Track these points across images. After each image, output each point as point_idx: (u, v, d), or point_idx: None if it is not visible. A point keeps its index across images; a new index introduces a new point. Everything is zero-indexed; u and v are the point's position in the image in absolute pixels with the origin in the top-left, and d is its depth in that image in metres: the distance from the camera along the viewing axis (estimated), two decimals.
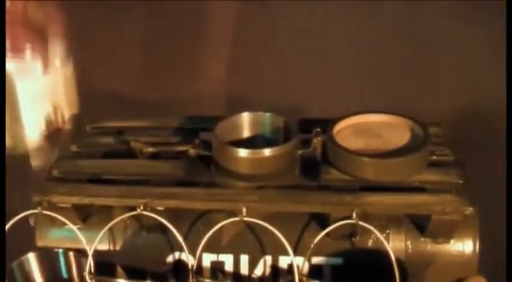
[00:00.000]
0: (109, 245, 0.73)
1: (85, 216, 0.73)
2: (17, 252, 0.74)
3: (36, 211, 0.71)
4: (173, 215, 0.70)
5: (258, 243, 0.71)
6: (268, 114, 0.76)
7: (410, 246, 0.70)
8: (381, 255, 0.67)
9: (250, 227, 0.70)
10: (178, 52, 1.08)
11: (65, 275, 0.73)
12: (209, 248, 0.69)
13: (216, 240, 0.70)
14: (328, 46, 1.04)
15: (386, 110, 0.76)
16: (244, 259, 0.71)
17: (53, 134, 0.90)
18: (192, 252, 0.68)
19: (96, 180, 0.73)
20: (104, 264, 0.71)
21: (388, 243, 0.68)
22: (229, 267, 0.71)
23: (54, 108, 0.90)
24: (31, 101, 0.88)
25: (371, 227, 0.66)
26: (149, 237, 0.73)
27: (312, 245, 0.67)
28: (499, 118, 0.94)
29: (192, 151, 0.75)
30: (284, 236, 0.66)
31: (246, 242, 0.71)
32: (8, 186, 0.76)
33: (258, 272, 0.71)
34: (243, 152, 0.71)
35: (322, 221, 0.69)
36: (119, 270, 0.72)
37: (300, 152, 0.73)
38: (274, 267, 0.71)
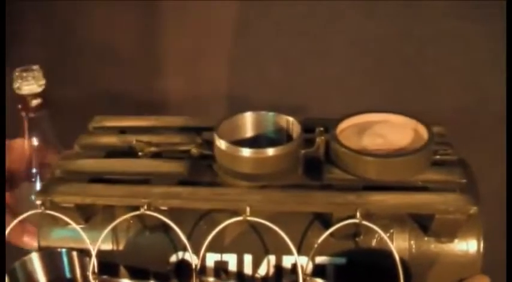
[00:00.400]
0: (112, 244, 0.73)
1: (88, 216, 0.73)
2: (20, 252, 0.75)
3: (38, 211, 0.71)
4: (176, 214, 0.70)
5: (261, 243, 0.71)
6: (271, 113, 0.76)
7: (414, 246, 0.70)
8: (384, 254, 0.67)
9: (254, 226, 0.70)
10: (180, 52, 1.08)
11: (68, 274, 0.73)
12: (213, 247, 0.69)
13: (219, 239, 0.70)
14: (330, 46, 1.04)
15: (389, 109, 0.76)
16: (247, 259, 0.71)
17: None
18: (196, 252, 0.68)
19: (98, 180, 0.73)
20: (107, 264, 0.71)
21: (392, 243, 0.68)
22: (232, 266, 0.71)
23: None
24: None
25: (375, 227, 0.66)
26: (152, 237, 0.72)
27: (316, 245, 0.67)
28: (499, 118, 0.94)
29: (194, 151, 0.75)
30: (287, 235, 0.66)
31: (250, 241, 0.71)
32: None
33: (262, 271, 0.71)
34: (246, 152, 0.70)
35: (325, 220, 0.69)
36: (122, 270, 0.72)
37: (303, 151, 0.73)
38: (278, 267, 0.71)
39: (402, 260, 0.66)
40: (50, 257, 0.73)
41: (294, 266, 0.68)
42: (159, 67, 1.09)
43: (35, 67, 0.84)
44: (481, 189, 0.70)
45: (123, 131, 0.82)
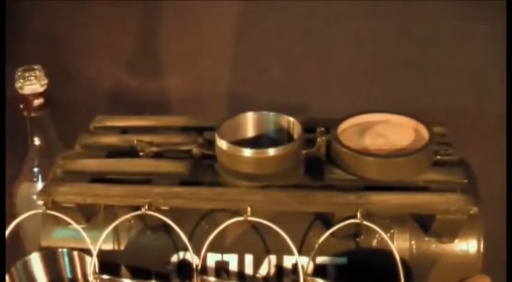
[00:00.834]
0: (113, 244, 0.73)
1: (89, 215, 0.73)
2: (21, 252, 0.75)
3: (40, 211, 0.71)
4: (177, 214, 0.70)
5: (262, 243, 0.71)
6: (272, 113, 0.76)
7: (414, 246, 0.70)
8: (385, 254, 0.67)
9: (255, 226, 0.70)
10: (182, 51, 1.08)
11: (69, 274, 0.73)
12: (214, 247, 0.69)
13: (220, 239, 0.70)
14: (330, 46, 1.04)
15: (390, 109, 0.76)
16: (248, 259, 0.71)
17: None
18: (197, 251, 0.68)
19: (100, 179, 0.73)
20: (108, 263, 0.71)
21: (393, 243, 0.68)
22: (233, 266, 0.71)
23: None
24: None
25: (375, 227, 0.66)
26: (153, 236, 0.73)
27: (317, 245, 0.67)
28: (499, 118, 0.94)
29: (196, 150, 0.75)
30: (288, 235, 0.66)
31: (251, 241, 0.71)
32: None
33: (263, 271, 0.71)
34: (247, 152, 0.71)
35: (326, 220, 0.70)
36: (123, 269, 0.72)
37: (304, 151, 0.73)
38: (279, 267, 0.71)
39: (403, 260, 0.66)
40: (51, 257, 0.73)
41: (295, 266, 0.68)
42: (160, 67, 1.09)
43: (37, 67, 0.84)
44: (481, 189, 0.70)
45: (124, 130, 0.82)
